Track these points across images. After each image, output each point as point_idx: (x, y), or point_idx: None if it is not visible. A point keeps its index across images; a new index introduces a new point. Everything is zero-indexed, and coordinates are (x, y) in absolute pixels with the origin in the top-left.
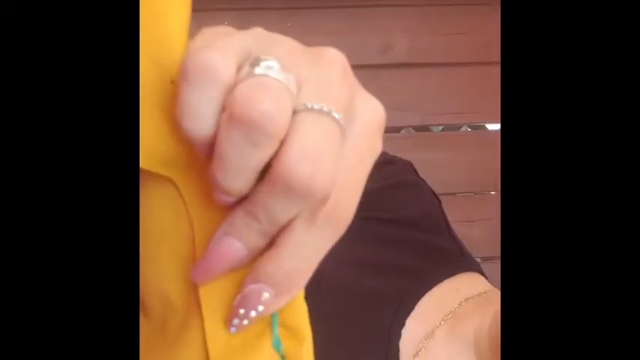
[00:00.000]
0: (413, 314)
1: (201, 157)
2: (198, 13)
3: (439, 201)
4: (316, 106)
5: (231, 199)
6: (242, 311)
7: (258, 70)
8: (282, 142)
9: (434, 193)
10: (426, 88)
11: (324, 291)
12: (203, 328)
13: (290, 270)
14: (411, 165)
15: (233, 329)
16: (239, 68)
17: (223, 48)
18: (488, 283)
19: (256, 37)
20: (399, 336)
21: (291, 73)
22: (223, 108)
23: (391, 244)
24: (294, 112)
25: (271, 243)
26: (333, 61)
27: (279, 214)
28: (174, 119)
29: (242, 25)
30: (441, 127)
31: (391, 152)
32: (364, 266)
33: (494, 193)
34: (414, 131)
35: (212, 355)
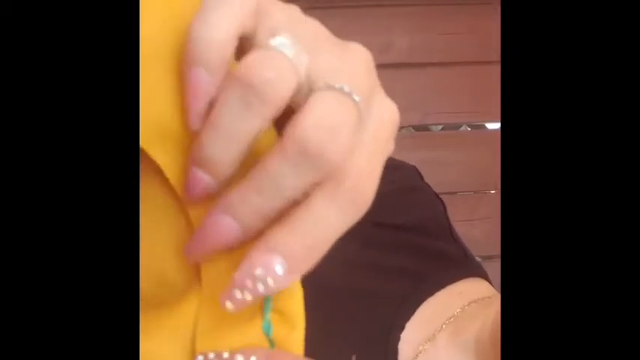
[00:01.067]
0: (414, 318)
1: (194, 132)
2: None
3: (444, 206)
4: (337, 85)
5: (209, 183)
6: (248, 282)
7: (272, 43)
8: (296, 114)
9: (439, 197)
10: (425, 88)
11: (325, 293)
12: (200, 304)
13: (308, 242)
14: (417, 170)
15: (229, 304)
16: (253, 41)
17: (224, 24)
18: (492, 288)
19: (287, 14)
20: (397, 339)
21: (306, 54)
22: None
23: (394, 248)
24: (314, 91)
25: (273, 221)
26: (358, 54)
27: (288, 182)
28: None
29: None
30: (440, 127)
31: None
32: (366, 269)
33: (494, 192)
34: (413, 130)
35: (199, 330)
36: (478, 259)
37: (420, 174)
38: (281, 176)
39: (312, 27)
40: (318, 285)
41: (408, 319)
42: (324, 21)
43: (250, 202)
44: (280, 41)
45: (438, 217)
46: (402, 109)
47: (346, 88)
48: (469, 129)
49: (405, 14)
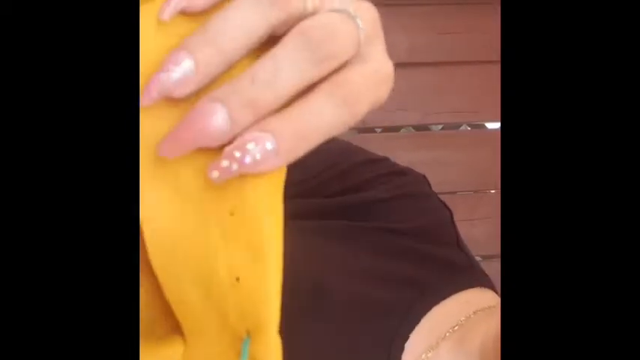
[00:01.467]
0: (418, 328)
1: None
2: None
3: (451, 214)
4: (343, 8)
5: (190, 69)
6: (237, 154)
7: None
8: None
9: (446, 205)
10: (425, 87)
11: (328, 302)
12: (181, 344)
13: (300, 130)
14: (425, 178)
15: (215, 173)
16: None
17: None
18: (498, 297)
19: None
20: (401, 349)
21: None
22: None
23: (399, 255)
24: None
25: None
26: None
27: (284, 72)
28: None
29: None
30: (440, 126)
31: (391, 151)
32: (370, 277)
33: (494, 192)
34: (413, 130)
35: None
36: (478, 258)
37: (428, 182)
38: (278, 65)
39: None
40: (322, 294)
41: (412, 328)
42: None
43: (243, 90)
44: None
45: (445, 225)
46: (401, 109)
47: (351, 12)
48: (469, 129)
49: (405, 14)
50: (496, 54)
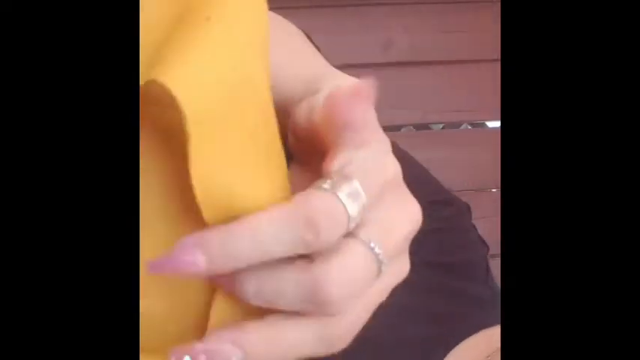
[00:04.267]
0: None
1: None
2: None
3: (487, 249)
4: (372, 245)
5: (201, 265)
6: (202, 358)
7: (340, 191)
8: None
9: (482, 240)
10: (426, 86)
11: (361, 336)
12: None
13: (272, 353)
14: (468, 208)
15: (174, 358)
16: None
17: None
18: None
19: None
20: None
21: (366, 209)
22: None
23: (432, 291)
24: (350, 234)
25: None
26: (412, 214)
27: (279, 297)
28: None
29: None
30: (441, 125)
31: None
32: (403, 312)
33: (495, 191)
34: (414, 129)
35: None
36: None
37: (470, 212)
38: (279, 290)
39: (386, 172)
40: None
41: None
42: (325, 19)
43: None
44: (350, 190)
45: (478, 260)
46: (402, 108)
47: (378, 251)
48: (470, 127)
49: (405, 12)
50: (496, 52)
